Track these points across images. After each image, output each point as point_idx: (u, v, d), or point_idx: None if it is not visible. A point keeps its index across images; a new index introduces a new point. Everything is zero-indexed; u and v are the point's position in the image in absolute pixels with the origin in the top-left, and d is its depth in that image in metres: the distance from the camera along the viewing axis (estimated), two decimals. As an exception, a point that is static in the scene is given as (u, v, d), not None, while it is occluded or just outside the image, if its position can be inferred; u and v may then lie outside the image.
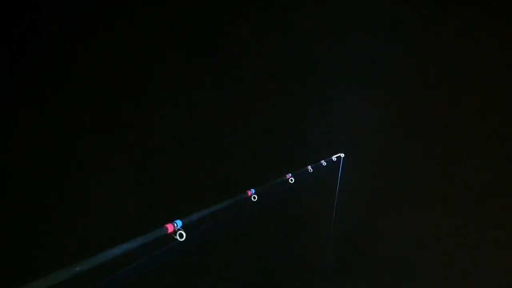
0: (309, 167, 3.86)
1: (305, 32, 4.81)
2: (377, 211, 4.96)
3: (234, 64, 4.32)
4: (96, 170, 2.94)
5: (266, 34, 4.58)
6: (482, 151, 4.73)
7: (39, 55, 3.08)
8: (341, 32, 4.92)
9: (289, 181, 3.38)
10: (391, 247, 4.82)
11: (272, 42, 4.64)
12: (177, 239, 1.89)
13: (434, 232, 4.78)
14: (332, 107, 5.02)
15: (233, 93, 4.16)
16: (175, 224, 1.90)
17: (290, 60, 4.74)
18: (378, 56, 5.07)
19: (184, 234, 1.89)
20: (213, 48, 4.18)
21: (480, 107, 4.81)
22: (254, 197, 2.70)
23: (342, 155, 4.70)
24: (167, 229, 1.85)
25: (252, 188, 2.74)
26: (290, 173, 3.44)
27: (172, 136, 3.54)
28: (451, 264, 4.58)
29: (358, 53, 5.03)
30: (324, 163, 4.23)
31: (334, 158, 4.57)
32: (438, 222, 4.83)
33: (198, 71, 4.05)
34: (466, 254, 4.53)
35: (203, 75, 4.00)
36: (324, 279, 4.27)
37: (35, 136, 2.84)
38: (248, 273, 3.38)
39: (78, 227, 2.66)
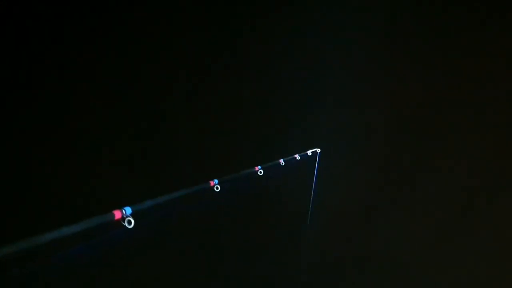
0: (281, 161, 3.83)
1: (290, 32, 4.78)
2: (356, 208, 4.96)
3: (214, 58, 4.29)
4: (50, 152, 2.88)
5: (253, 34, 4.55)
6: (470, 148, 4.70)
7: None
8: (327, 31, 4.89)
9: (258, 173, 3.36)
10: (368, 244, 4.83)
11: (258, 40, 4.61)
12: (125, 226, 1.87)
13: (414, 231, 4.79)
14: (310, 102, 5.01)
15: (206, 83, 4.12)
16: (124, 211, 1.86)
17: (268, 55, 4.70)
18: (360, 53, 5.06)
19: (133, 221, 1.86)
20: (201, 45, 4.15)
21: (464, 102, 4.77)
22: (217, 188, 2.67)
23: (318, 150, 4.67)
24: (114, 215, 1.82)
25: (216, 178, 2.72)
26: (260, 165, 3.42)
27: (134, 122, 3.49)
28: (438, 266, 4.56)
29: (341, 50, 5.01)
30: (298, 157, 4.21)
31: (309, 152, 4.55)
32: (418, 220, 4.85)
33: (178, 63, 4.01)
34: (453, 254, 4.51)
35: (175, 66, 3.96)
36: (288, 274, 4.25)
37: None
38: (195, 263, 3.36)
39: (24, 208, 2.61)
